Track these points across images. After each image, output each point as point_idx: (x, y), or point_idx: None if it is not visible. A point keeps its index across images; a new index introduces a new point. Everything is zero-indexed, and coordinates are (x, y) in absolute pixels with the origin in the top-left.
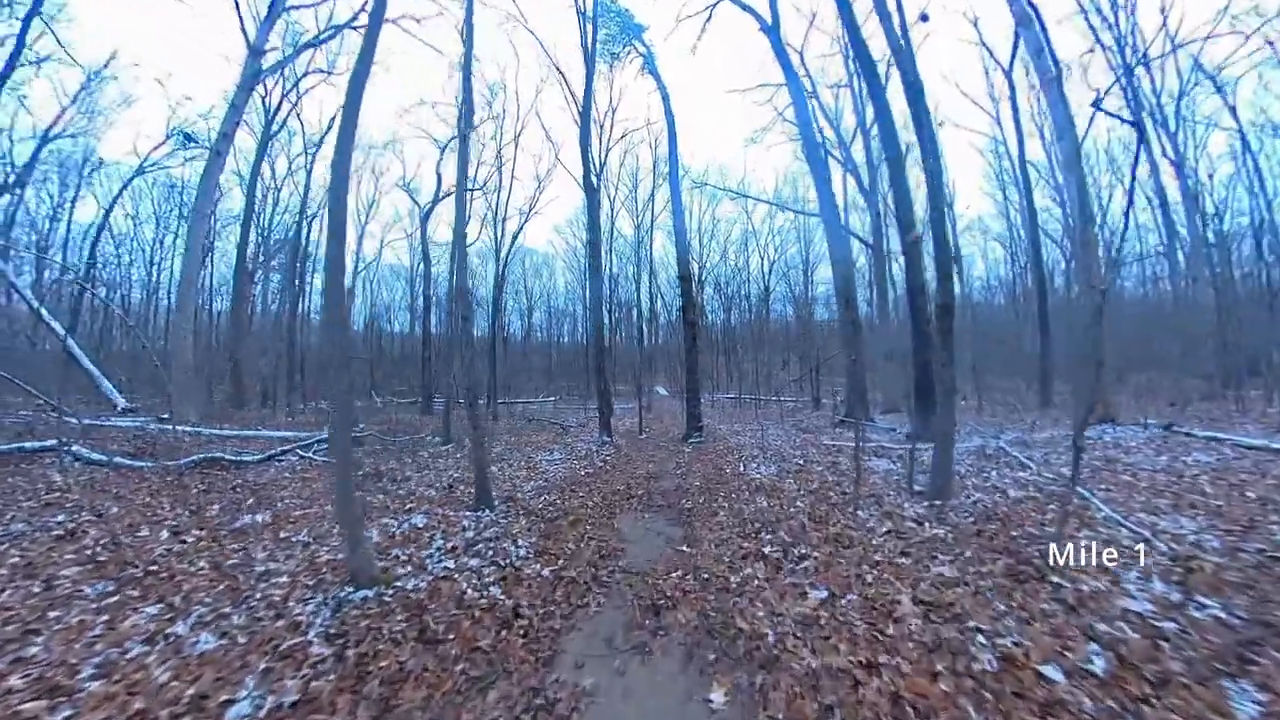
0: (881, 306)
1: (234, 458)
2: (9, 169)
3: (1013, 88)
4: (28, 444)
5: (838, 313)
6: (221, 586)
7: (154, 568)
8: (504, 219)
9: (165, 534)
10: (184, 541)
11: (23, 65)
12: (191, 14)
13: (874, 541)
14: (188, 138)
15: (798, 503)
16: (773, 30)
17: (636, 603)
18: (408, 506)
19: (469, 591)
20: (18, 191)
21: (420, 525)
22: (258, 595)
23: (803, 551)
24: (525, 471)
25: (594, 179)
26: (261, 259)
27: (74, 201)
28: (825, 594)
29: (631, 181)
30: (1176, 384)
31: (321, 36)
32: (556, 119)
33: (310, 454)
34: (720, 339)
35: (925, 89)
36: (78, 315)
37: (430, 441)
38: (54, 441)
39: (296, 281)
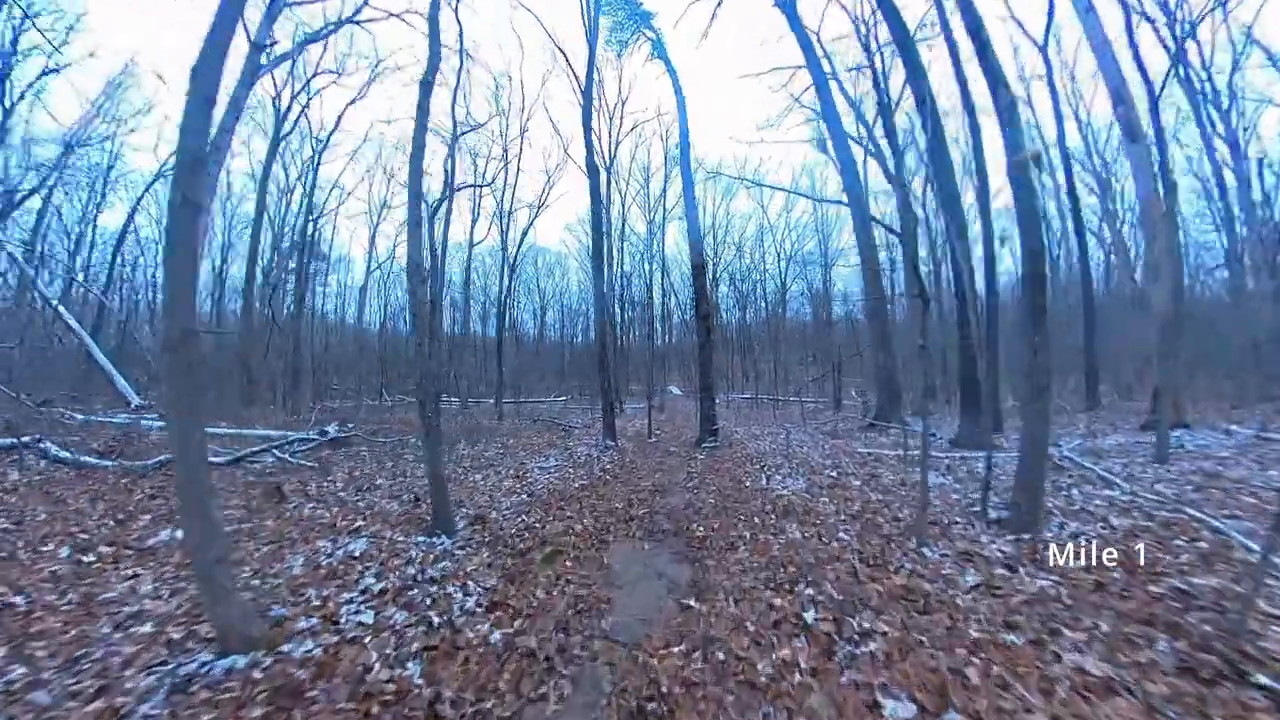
0: (911, 299)
1: None
2: (34, 172)
3: (1048, 64)
4: None
5: (865, 305)
6: (72, 633)
7: (17, 600)
8: (510, 212)
9: (66, 551)
10: (80, 562)
11: (47, 74)
12: (192, 7)
13: (960, 602)
14: None
15: (841, 533)
16: (789, 4)
17: (616, 701)
18: (356, 525)
19: (377, 667)
20: (44, 194)
21: (357, 554)
22: (99, 653)
23: (864, 623)
24: (511, 481)
25: (597, 160)
26: (275, 259)
27: (99, 207)
28: (912, 710)
29: (643, 176)
30: (1237, 385)
31: (323, 31)
32: (565, 113)
33: (287, 455)
34: (735, 337)
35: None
36: (102, 316)
37: (415, 444)
38: (24, 439)
39: (303, 281)
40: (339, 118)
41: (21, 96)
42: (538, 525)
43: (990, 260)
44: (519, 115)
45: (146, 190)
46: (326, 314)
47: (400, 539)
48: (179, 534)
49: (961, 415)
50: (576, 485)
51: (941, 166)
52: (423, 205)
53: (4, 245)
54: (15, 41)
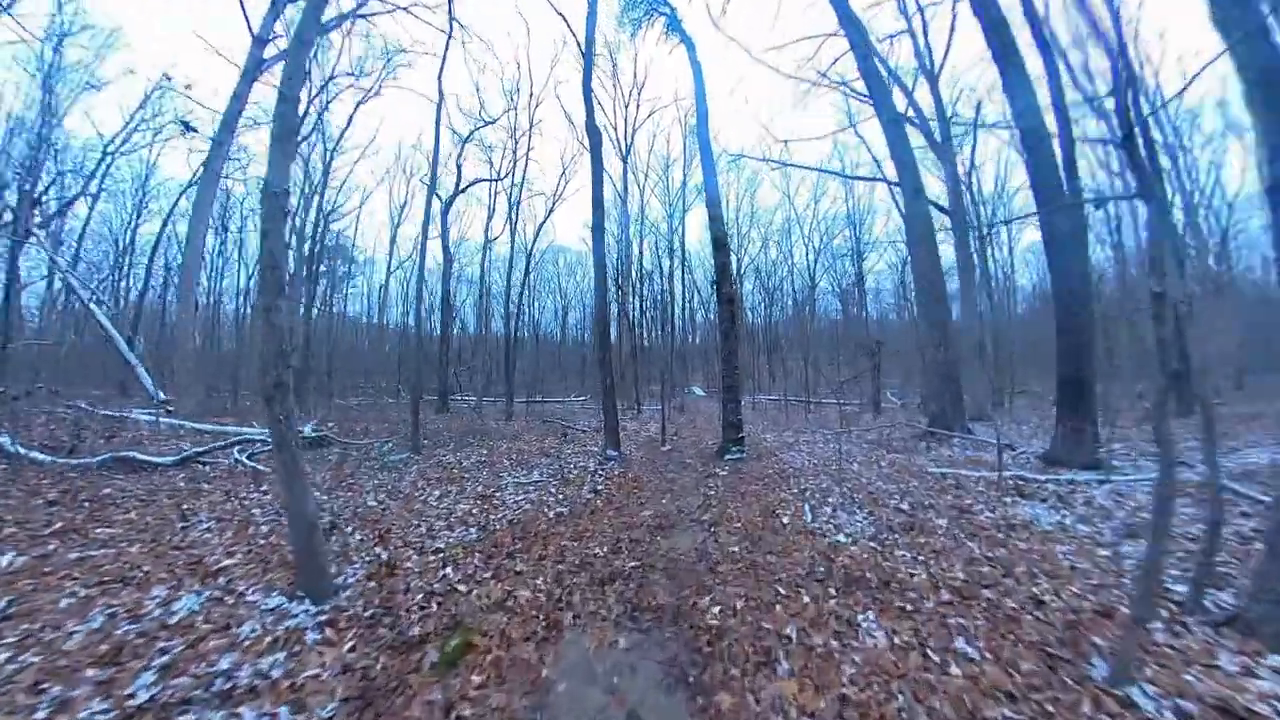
0: (966, 291)
1: (147, 458)
2: (69, 178)
3: (1115, 14)
4: None
5: (918, 296)
6: None
7: None
8: (519, 202)
9: None
10: None
11: (88, 89)
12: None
13: None
14: (186, 126)
15: (959, 639)
16: None
17: None
18: (225, 563)
19: None
20: (90, 203)
21: (175, 619)
22: None
23: None
24: (468, 504)
25: (599, 123)
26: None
27: (138, 216)
28: None
29: (662, 166)
30: None
31: (328, 24)
32: (579, 104)
33: (243, 457)
34: (761, 336)
35: None
36: (139, 317)
37: (384, 451)
38: None
39: (314, 282)
40: (350, 117)
41: (65, 109)
42: (461, 587)
43: (1080, 228)
44: (529, 103)
45: (181, 196)
46: (357, 315)
47: (253, 597)
48: (8, 561)
49: (1058, 422)
50: (551, 514)
51: (1024, 102)
52: (297, 114)
53: (45, 250)
54: (57, 50)
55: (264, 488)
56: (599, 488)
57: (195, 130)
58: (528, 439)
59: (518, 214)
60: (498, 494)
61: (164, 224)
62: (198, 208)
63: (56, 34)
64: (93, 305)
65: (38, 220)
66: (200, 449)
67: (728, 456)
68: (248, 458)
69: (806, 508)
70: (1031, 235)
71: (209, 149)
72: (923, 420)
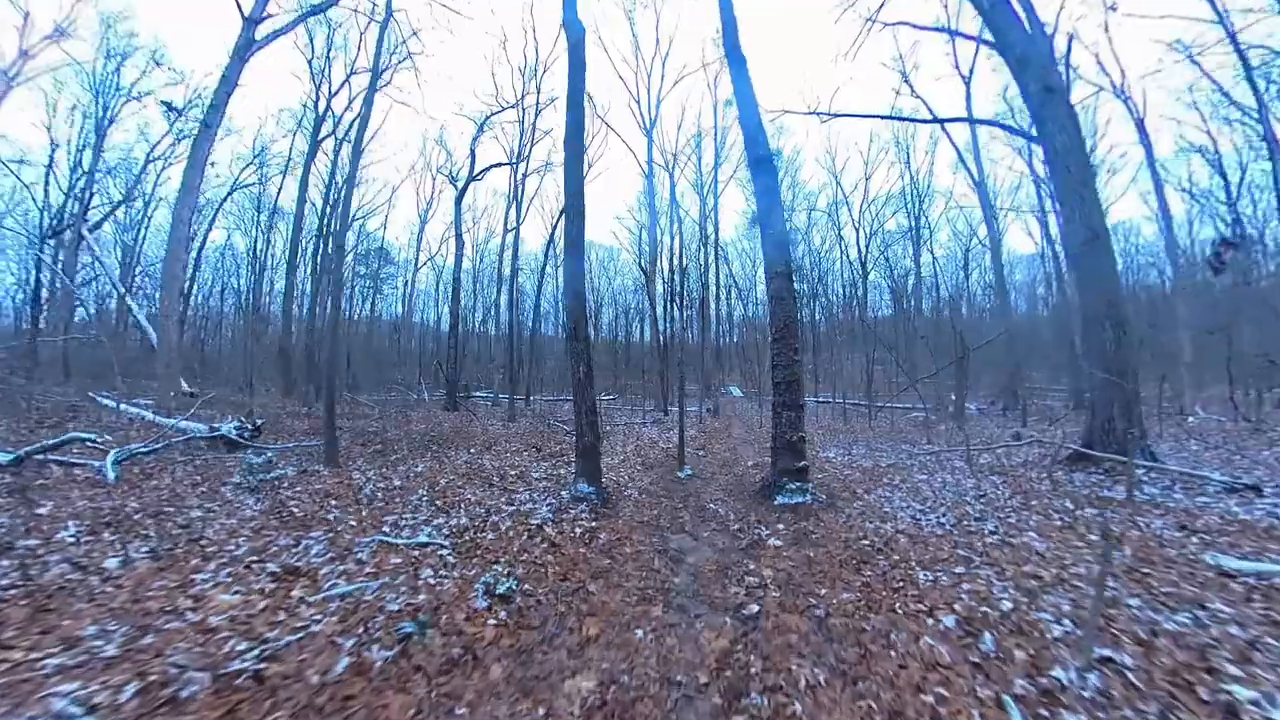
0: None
1: None
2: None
3: None
4: None
5: (1070, 271)
6: None
7: None
8: (526, 176)
9: None
10: None
11: (129, 99)
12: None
13: None
14: (169, 108)
15: None
16: None
17: None
18: None
19: None
20: (145, 212)
21: None
22: None
23: None
24: (233, 597)
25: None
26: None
27: (190, 223)
28: None
29: (693, 146)
30: None
31: (324, 4)
32: (596, 79)
33: (108, 462)
34: (811, 333)
35: None
36: (184, 321)
37: (253, 465)
38: None
39: (324, 281)
40: (362, 109)
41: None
42: None
43: None
44: (537, 71)
45: (219, 207)
46: (393, 313)
47: None
48: None
49: None
50: (344, 665)
51: None
52: None
53: (96, 256)
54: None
55: (26, 512)
56: (517, 582)
57: (179, 112)
58: (499, 449)
59: (524, 191)
60: (322, 570)
61: (205, 232)
62: (182, 192)
63: (113, 54)
64: (129, 300)
65: (90, 224)
66: (38, 446)
67: (781, 499)
68: (114, 463)
69: (1015, 714)
70: (1123, 211)
71: (197, 131)
72: (1016, 426)
